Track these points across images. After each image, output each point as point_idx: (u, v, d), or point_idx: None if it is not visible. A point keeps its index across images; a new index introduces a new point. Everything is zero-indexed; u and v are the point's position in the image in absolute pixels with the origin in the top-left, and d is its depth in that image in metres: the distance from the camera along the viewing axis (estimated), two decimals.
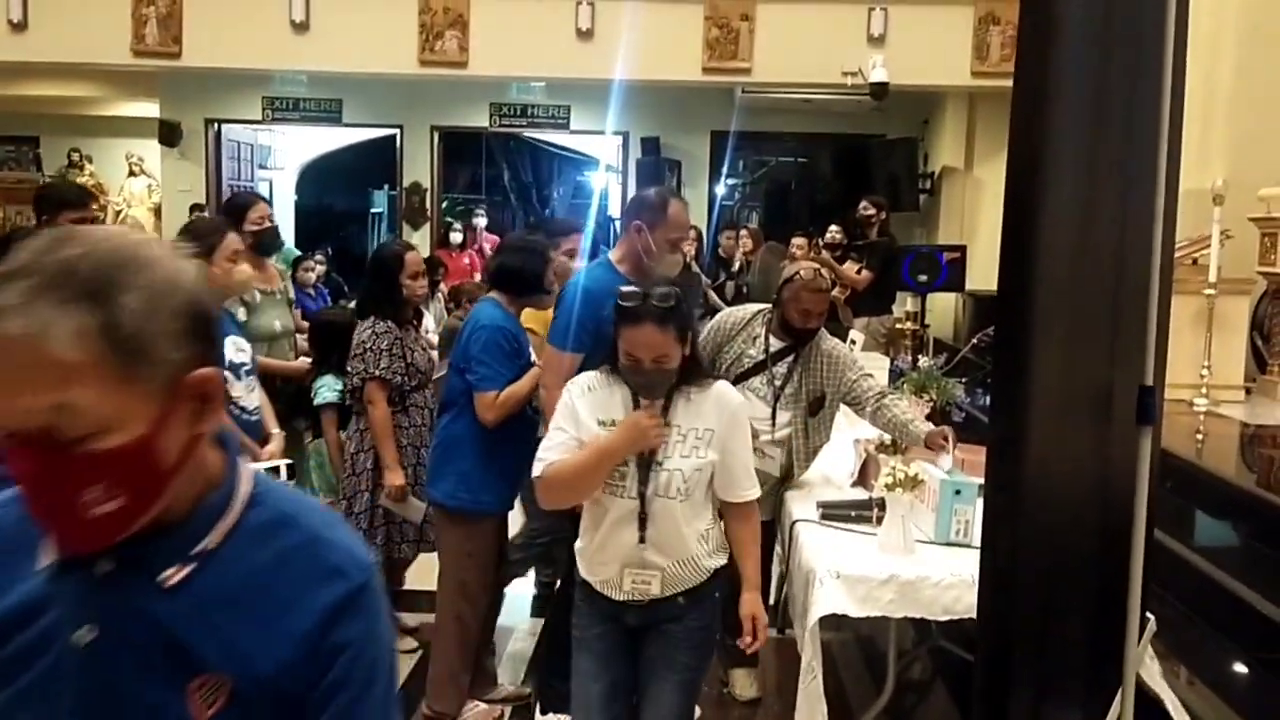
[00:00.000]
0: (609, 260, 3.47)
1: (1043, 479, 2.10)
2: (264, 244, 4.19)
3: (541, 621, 4.17)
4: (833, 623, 4.20)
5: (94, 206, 4.18)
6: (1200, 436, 5.38)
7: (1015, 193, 2.10)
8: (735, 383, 3.67)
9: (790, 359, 3.71)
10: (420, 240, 12.06)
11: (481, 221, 10.43)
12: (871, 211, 8.02)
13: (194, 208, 10.81)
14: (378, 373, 3.80)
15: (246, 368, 3.54)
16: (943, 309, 10.03)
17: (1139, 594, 1.90)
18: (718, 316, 3.94)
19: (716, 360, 3.77)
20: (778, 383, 3.69)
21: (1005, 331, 2.16)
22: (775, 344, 3.72)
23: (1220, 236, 5.92)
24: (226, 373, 3.43)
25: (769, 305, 3.82)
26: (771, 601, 4.28)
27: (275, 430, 3.65)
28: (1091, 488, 2.13)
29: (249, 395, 3.52)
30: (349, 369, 3.94)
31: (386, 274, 3.94)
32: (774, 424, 3.69)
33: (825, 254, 8.19)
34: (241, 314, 3.90)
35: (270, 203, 5.07)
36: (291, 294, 4.61)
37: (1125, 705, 1.82)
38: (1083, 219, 2.07)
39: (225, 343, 3.46)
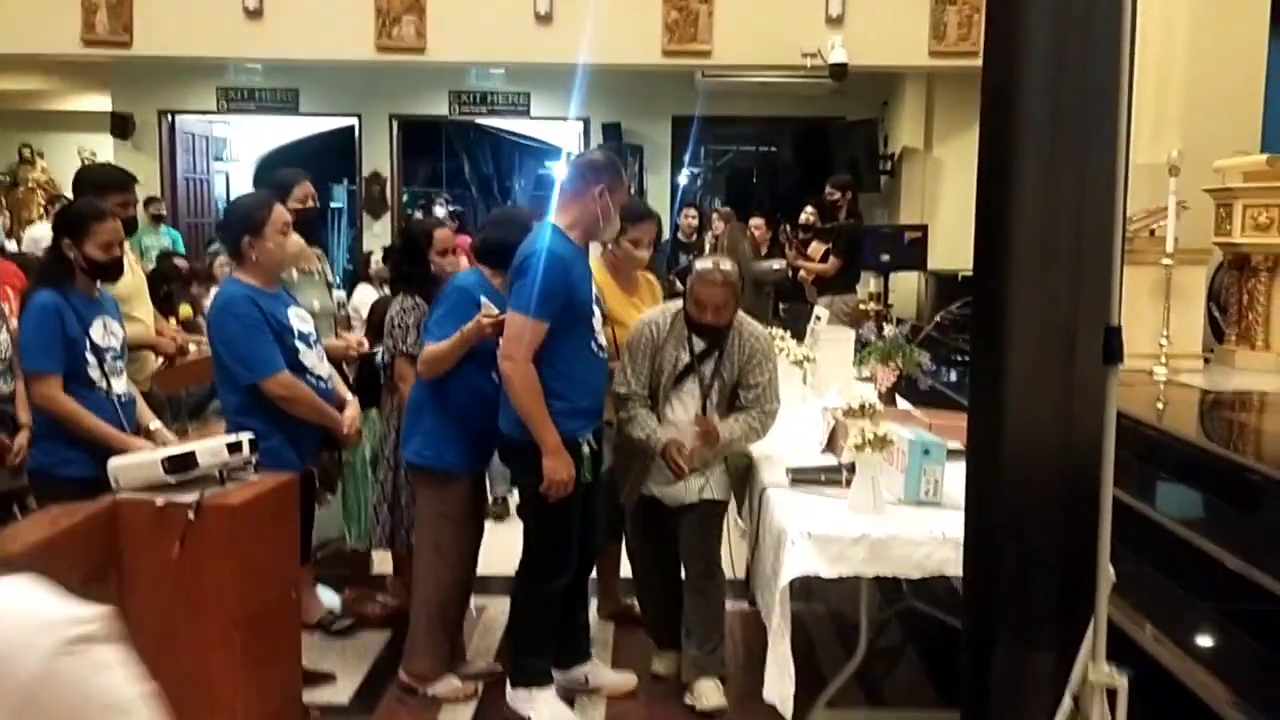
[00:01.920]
0: (559, 229, 3.33)
1: (1020, 427, 2.14)
2: (306, 223, 4.10)
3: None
4: (802, 593, 4.23)
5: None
6: (1161, 405, 5.44)
7: (988, 164, 2.15)
8: (673, 387, 3.54)
9: (715, 357, 3.54)
10: (381, 230, 11.98)
11: (441, 211, 10.39)
12: (837, 195, 8.03)
13: (149, 201, 10.64)
14: (405, 349, 3.82)
15: (313, 337, 3.50)
16: (905, 289, 10.10)
17: (1108, 533, 1.91)
18: (638, 323, 3.63)
19: (651, 370, 3.55)
20: (705, 382, 3.53)
21: (983, 284, 2.19)
22: (699, 343, 3.54)
23: (1176, 208, 5.99)
24: (297, 342, 3.39)
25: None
26: (742, 575, 4.30)
27: (350, 397, 3.64)
28: (1057, 434, 2.16)
29: (320, 365, 3.49)
30: (382, 347, 4.01)
31: (416, 251, 4.00)
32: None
33: (795, 237, 8.22)
34: None
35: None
36: (330, 276, 4.49)
37: (1098, 639, 1.84)
38: (1049, 174, 2.12)
39: (289, 314, 3.42)
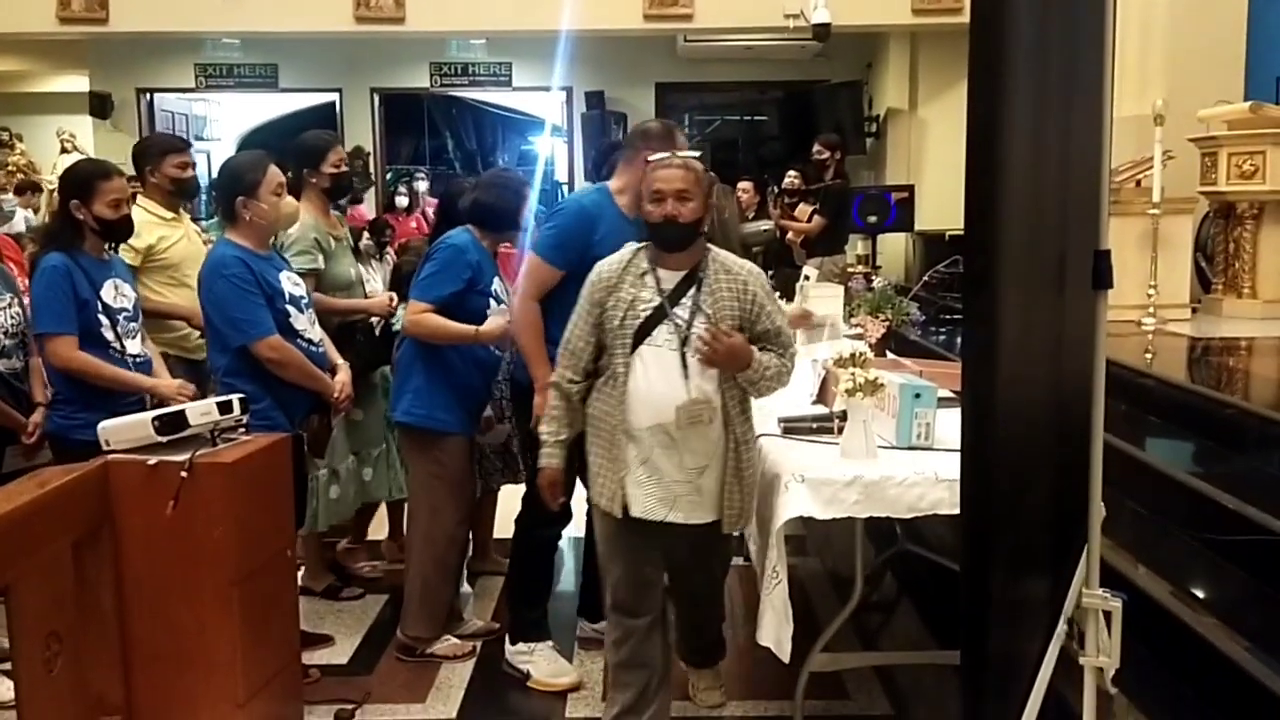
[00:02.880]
0: (607, 189, 3.34)
1: (1014, 364, 2.15)
2: (339, 189, 4.08)
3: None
4: (796, 548, 4.25)
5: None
6: (1150, 354, 5.45)
7: (976, 117, 2.15)
8: (639, 338, 2.77)
9: (692, 292, 2.78)
10: (366, 205, 11.89)
11: (423, 185, 10.36)
12: (825, 155, 7.99)
13: (131, 179, 10.53)
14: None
15: (305, 300, 3.47)
16: (893, 251, 10.11)
17: (1099, 458, 1.92)
18: (593, 270, 2.89)
19: (597, 322, 2.83)
20: (684, 330, 2.75)
21: (973, 231, 2.19)
22: (668, 278, 2.80)
23: (1162, 158, 5.99)
24: (289, 306, 3.36)
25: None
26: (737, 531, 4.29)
27: (340, 361, 3.62)
28: (1049, 369, 2.17)
29: (312, 328, 3.46)
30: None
31: (452, 212, 3.96)
32: (689, 386, 2.75)
33: (781, 200, 8.20)
34: (320, 261, 3.85)
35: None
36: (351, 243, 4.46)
37: (1091, 564, 1.85)
38: (1036, 120, 2.13)
39: (281, 277, 3.38)
